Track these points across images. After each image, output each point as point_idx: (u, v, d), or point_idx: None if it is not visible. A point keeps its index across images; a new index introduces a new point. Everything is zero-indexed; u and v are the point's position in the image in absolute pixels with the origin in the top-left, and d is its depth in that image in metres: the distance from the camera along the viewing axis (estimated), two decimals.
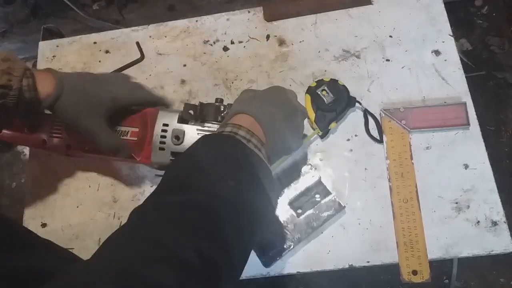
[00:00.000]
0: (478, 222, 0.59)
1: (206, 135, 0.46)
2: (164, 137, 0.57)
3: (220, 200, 0.37)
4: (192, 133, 0.58)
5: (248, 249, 0.41)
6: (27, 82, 0.48)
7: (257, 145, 0.44)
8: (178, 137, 0.57)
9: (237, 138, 0.42)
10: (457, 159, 0.62)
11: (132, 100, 0.57)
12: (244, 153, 0.41)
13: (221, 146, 0.42)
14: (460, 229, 0.59)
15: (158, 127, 0.58)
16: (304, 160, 0.64)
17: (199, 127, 0.58)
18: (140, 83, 0.60)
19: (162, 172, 0.60)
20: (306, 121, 0.66)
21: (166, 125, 0.58)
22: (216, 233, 0.35)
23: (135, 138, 0.59)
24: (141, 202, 0.65)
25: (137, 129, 0.59)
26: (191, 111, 0.59)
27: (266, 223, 0.51)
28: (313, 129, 0.65)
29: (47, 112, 0.53)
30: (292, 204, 0.61)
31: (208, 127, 0.58)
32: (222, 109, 0.59)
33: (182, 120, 0.59)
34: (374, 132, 0.65)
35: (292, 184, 0.61)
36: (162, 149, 0.57)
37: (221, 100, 0.60)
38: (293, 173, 0.63)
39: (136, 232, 0.35)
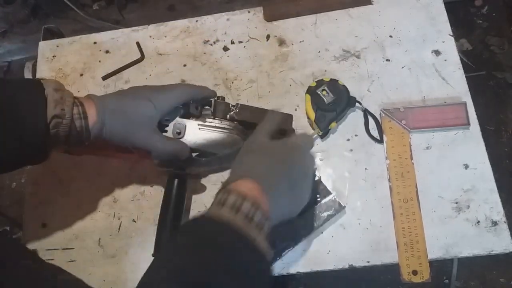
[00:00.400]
0: (478, 222, 0.59)
1: (205, 220, 0.38)
2: (165, 131, 0.58)
3: None
4: (193, 128, 0.58)
5: None
6: (78, 110, 0.48)
7: (259, 224, 0.38)
8: (179, 131, 0.58)
9: (239, 234, 0.36)
10: (457, 159, 0.62)
11: (172, 101, 0.55)
12: (249, 261, 0.36)
13: (221, 255, 0.35)
14: (460, 229, 0.59)
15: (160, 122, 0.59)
16: None
17: (200, 122, 0.59)
18: (178, 84, 0.60)
19: (161, 169, 0.61)
20: (306, 121, 0.67)
21: (168, 120, 0.58)
22: None
23: None
24: (141, 202, 0.66)
25: None
26: (197, 107, 0.60)
27: None
28: (313, 129, 0.65)
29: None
30: None
31: (209, 122, 0.59)
32: (231, 107, 0.61)
33: (184, 115, 0.59)
34: (374, 132, 0.65)
35: None
36: None
37: (223, 98, 0.62)
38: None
39: None
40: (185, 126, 0.58)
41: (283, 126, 0.59)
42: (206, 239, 0.37)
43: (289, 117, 0.62)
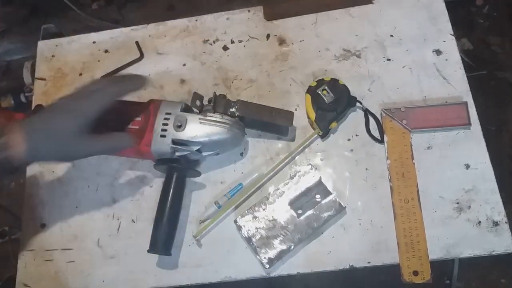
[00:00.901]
0: (479, 222, 0.59)
1: None
2: (166, 124, 0.59)
3: None
4: (194, 121, 0.59)
5: None
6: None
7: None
8: (180, 124, 0.58)
9: None
10: (458, 159, 0.62)
11: (94, 108, 0.51)
12: None
13: None
14: (461, 229, 0.58)
15: (161, 115, 0.59)
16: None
17: (201, 117, 0.59)
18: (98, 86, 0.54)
19: (159, 168, 0.61)
20: (307, 121, 0.66)
21: (169, 113, 0.59)
22: None
23: (137, 127, 0.60)
24: (140, 202, 0.65)
25: (139, 119, 0.60)
26: (198, 101, 0.61)
27: None
28: (314, 129, 0.65)
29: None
30: (292, 204, 0.61)
31: (210, 116, 0.59)
32: (231, 104, 0.62)
33: (185, 110, 0.60)
34: (375, 132, 0.65)
35: (292, 184, 0.61)
36: (163, 136, 0.58)
37: (224, 96, 0.63)
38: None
39: None
40: (186, 119, 0.59)
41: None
42: None
43: (289, 114, 0.63)
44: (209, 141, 0.59)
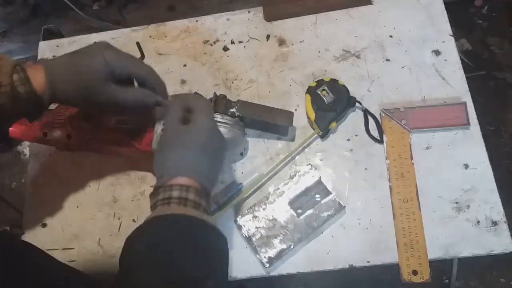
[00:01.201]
0: (478, 222, 0.59)
1: (160, 219, 0.43)
2: None
3: None
4: None
5: None
6: (18, 77, 0.45)
7: (206, 207, 0.45)
8: None
9: (193, 217, 0.42)
10: (457, 159, 0.62)
11: (122, 55, 0.51)
12: (207, 236, 0.42)
13: (183, 238, 0.41)
14: (460, 229, 0.59)
15: None
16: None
17: None
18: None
19: None
20: (306, 121, 0.67)
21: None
22: None
23: (138, 127, 0.60)
24: (141, 202, 0.66)
25: (139, 118, 0.60)
26: None
27: None
28: (313, 129, 0.65)
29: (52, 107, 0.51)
30: (292, 204, 0.61)
31: None
32: (231, 104, 0.61)
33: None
34: (374, 132, 0.65)
35: (291, 184, 0.61)
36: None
37: (224, 96, 0.62)
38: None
39: None
40: None
41: (188, 105, 0.53)
42: (176, 231, 0.41)
43: (289, 114, 0.63)
44: None
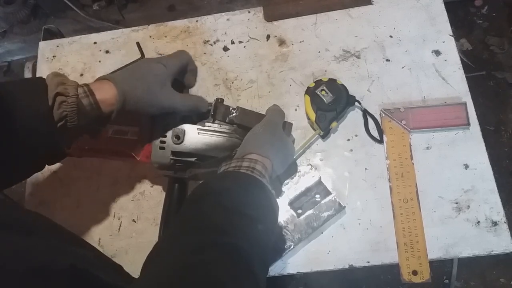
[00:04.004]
0: (478, 222, 0.59)
1: (227, 172, 0.49)
2: (165, 136, 0.58)
3: (250, 243, 0.41)
4: (193, 132, 0.58)
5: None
6: (83, 90, 0.47)
7: (268, 179, 0.49)
8: (178, 136, 0.57)
9: (257, 178, 0.47)
10: (457, 159, 0.62)
11: (178, 61, 0.59)
12: (265, 195, 0.47)
13: (246, 187, 0.46)
14: (460, 229, 0.59)
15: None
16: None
17: (200, 127, 0.58)
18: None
19: (162, 172, 0.60)
20: (307, 121, 0.67)
21: (167, 124, 0.58)
22: (251, 276, 0.38)
23: (135, 137, 0.59)
24: (141, 202, 0.66)
25: (137, 128, 0.59)
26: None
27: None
28: (314, 129, 0.65)
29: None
30: (292, 204, 0.61)
31: (208, 126, 0.58)
32: (231, 110, 0.60)
33: (183, 119, 0.59)
34: (374, 132, 0.65)
35: (291, 184, 0.61)
36: (162, 148, 0.58)
37: (222, 100, 0.61)
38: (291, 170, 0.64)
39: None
40: (184, 131, 0.58)
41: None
42: (237, 181, 0.47)
43: (288, 125, 0.61)
44: (208, 151, 0.58)
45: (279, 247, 0.58)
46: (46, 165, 0.51)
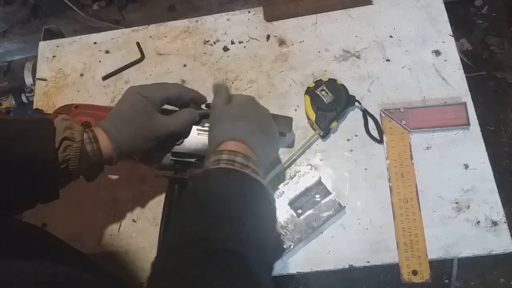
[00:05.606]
0: (478, 222, 0.59)
1: (209, 171, 0.46)
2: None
3: (240, 242, 0.40)
4: (192, 133, 0.58)
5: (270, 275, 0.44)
6: (88, 136, 0.49)
7: (255, 169, 0.46)
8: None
9: (239, 171, 0.45)
10: (457, 159, 0.62)
11: (162, 92, 0.55)
12: (251, 186, 0.44)
13: (229, 185, 0.44)
14: (460, 229, 0.59)
15: None
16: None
17: (199, 127, 0.58)
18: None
19: (162, 173, 0.60)
20: (307, 121, 0.67)
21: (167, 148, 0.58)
22: (248, 276, 0.38)
23: None
24: (141, 202, 0.66)
25: None
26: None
27: (274, 237, 0.54)
28: (314, 129, 0.65)
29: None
30: (292, 204, 0.61)
31: (207, 127, 0.58)
32: None
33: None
34: (374, 132, 0.65)
35: (291, 184, 0.61)
36: (162, 149, 0.57)
37: None
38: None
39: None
40: None
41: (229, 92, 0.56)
42: (220, 181, 0.44)
43: (289, 120, 0.61)
44: (207, 151, 0.58)
45: (279, 247, 0.58)
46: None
